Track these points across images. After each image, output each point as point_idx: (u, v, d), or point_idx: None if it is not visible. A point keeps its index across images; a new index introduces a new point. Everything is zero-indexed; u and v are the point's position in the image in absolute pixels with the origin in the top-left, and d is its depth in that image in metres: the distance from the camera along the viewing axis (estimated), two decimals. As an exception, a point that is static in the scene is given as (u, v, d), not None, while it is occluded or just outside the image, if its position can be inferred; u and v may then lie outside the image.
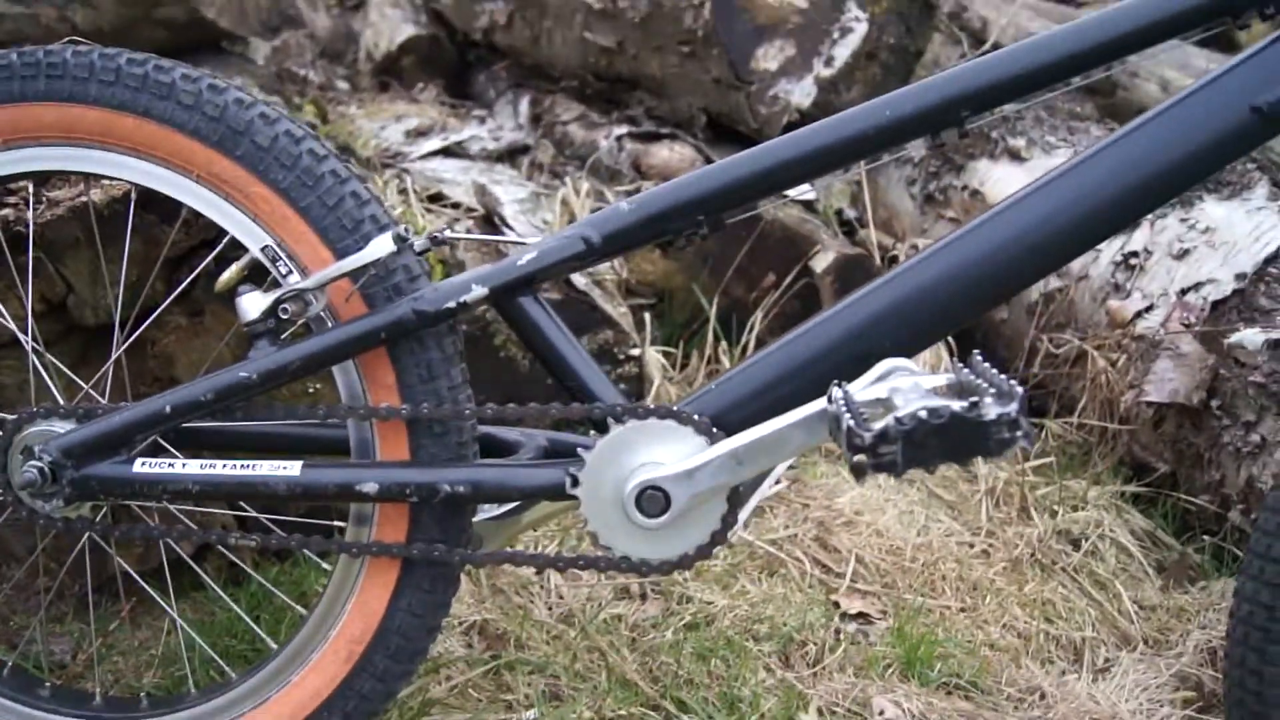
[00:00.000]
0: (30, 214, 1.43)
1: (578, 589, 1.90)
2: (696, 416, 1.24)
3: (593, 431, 1.28)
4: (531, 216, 2.47)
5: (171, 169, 1.28)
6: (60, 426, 1.29)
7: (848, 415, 1.07)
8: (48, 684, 1.44)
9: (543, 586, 1.89)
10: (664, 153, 2.61)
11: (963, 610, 1.89)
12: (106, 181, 1.42)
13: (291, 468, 1.25)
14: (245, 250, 1.30)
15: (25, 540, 1.67)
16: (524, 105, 3.30)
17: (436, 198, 2.41)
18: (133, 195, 1.36)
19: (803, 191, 2.56)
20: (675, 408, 1.25)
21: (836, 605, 1.90)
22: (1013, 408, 1.04)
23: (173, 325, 1.60)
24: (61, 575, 1.58)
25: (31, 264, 1.41)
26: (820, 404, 1.18)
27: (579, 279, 2.24)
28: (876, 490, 2.18)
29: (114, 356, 1.37)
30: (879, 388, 1.15)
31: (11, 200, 1.51)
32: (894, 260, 2.60)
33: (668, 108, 2.90)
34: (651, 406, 1.24)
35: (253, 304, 1.24)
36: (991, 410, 1.04)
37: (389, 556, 1.30)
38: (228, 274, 1.31)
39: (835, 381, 1.16)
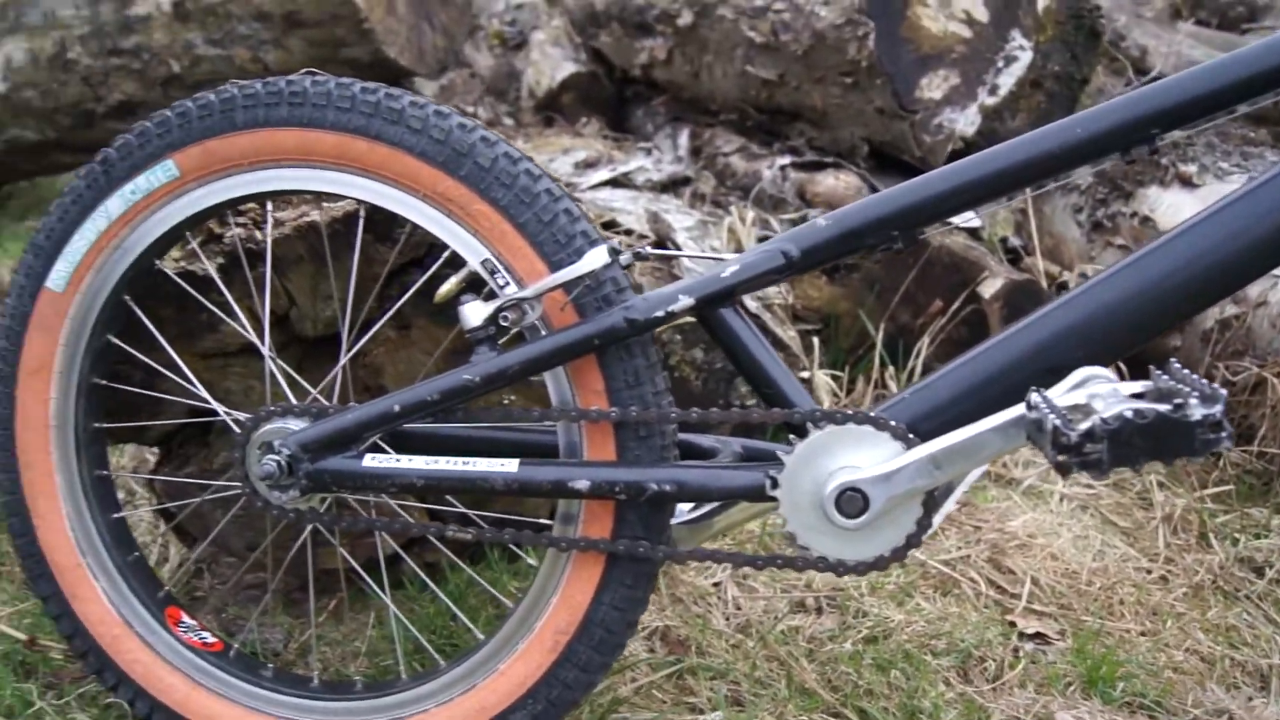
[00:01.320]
0: (268, 231, 1.57)
1: (754, 601, 1.96)
2: (893, 422, 1.30)
3: (791, 437, 1.34)
4: (700, 243, 2.56)
5: (400, 188, 1.39)
6: (295, 424, 1.41)
7: (1052, 416, 1.12)
8: (270, 666, 1.56)
9: (719, 598, 1.96)
10: (829, 181, 2.67)
11: (1143, 634, 1.89)
12: (336, 201, 1.55)
13: (509, 465, 1.35)
14: (463, 264, 1.40)
15: (244, 536, 1.81)
16: (683, 138, 3.41)
17: (609, 225, 2.51)
18: (361, 213, 1.48)
19: (968, 219, 2.60)
20: (872, 413, 1.31)
21: (1013, 624, 1.92)
22: (1217, 409, 1.08)
23: (382, 338, 1.73)
24: (280, 570, 1.70)
25: (267, 279, 1.55)
26: (1018, 409, 1.22)
27: (750, 301, 2.31)
28: (1049, 515, 2.20)
29: (341, 363, 1.49)
30: (1078, 394, 1.19)
31: (240, 220, 1.66)
32: (1062, 287, 2.61)
33: (829, 138, 2.98)
34: (850, 412, 1.31)
35: (475, 312, 1.35)
36: (1196, 411, 1.08)
37: (596, 551, 1.38)
38: (448, 285, 1.42)
39: (1033, 388, 1.20)
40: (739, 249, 2.67)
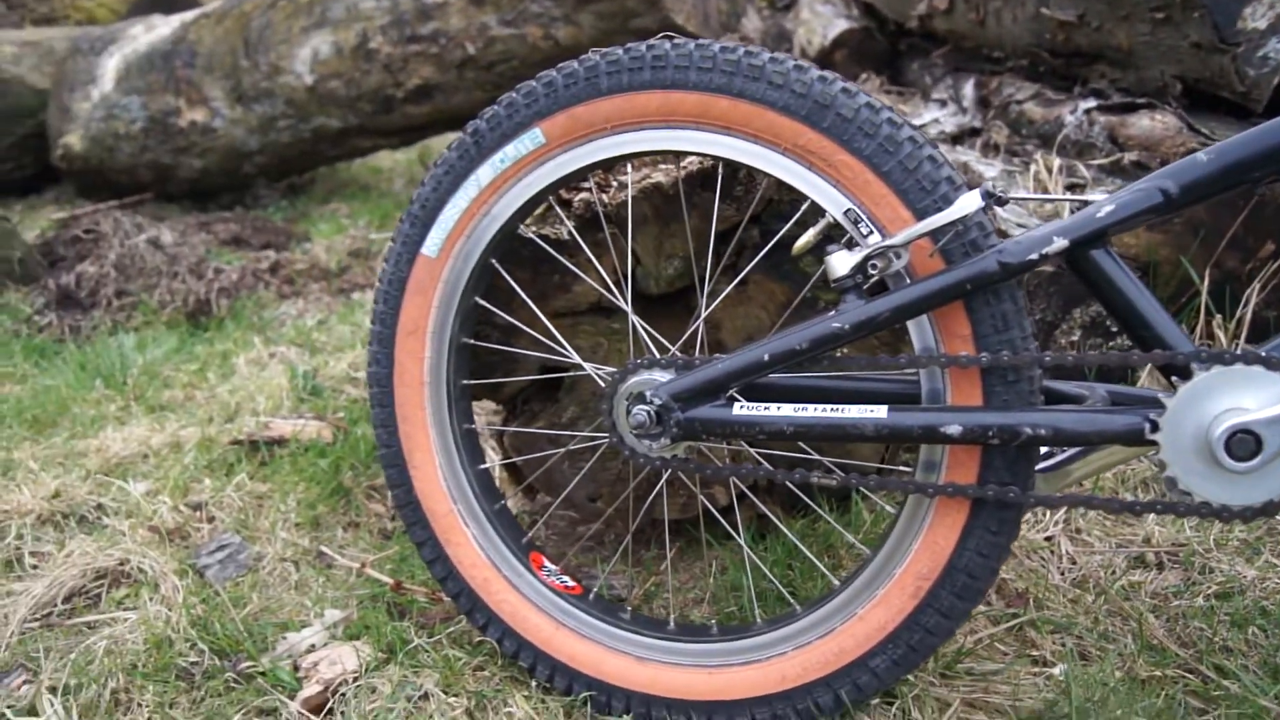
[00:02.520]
0: (629, 191, 1.65)
1: (1090, 556, 1.93)
2: (1287, 359, 1.26)
3: (1174, 379, 1.32)
4: (1008, 192, 2.52)
5: (760, 143, 1.44)
6: (661, 376, 1.48)
7: None
8: (628, 609, 1.65)
9: (1053, 552, 1.94)
10: (1145, 122, 2.57)
11: None
12: (692, 159, 1.61)
13: (878, 410, 1.38)
14: (820, 216, 1.44)
15: (585, 488, 1.91)
16: (968, 88, 3.34)
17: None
18: (719, 171, 1.53)
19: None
20: (1264, 353, 1.27)
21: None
22: None
23: (720, 294, 1.79)
24: (634, 519, 1.79)
25: (629, 235, 1.63)
26: None
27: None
28: None
29: (700, 317, 1.56)
30: None
31: (585, 185, 1.75)
32: None
33: (1134, 78, 2.86)
34: (1239, 352, 1.27)
35: (841, 262, 1.38)
36: None
37: (964, 497, 1.40)
38: (807, 236, 1.46)
39: None
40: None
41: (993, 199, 1.33)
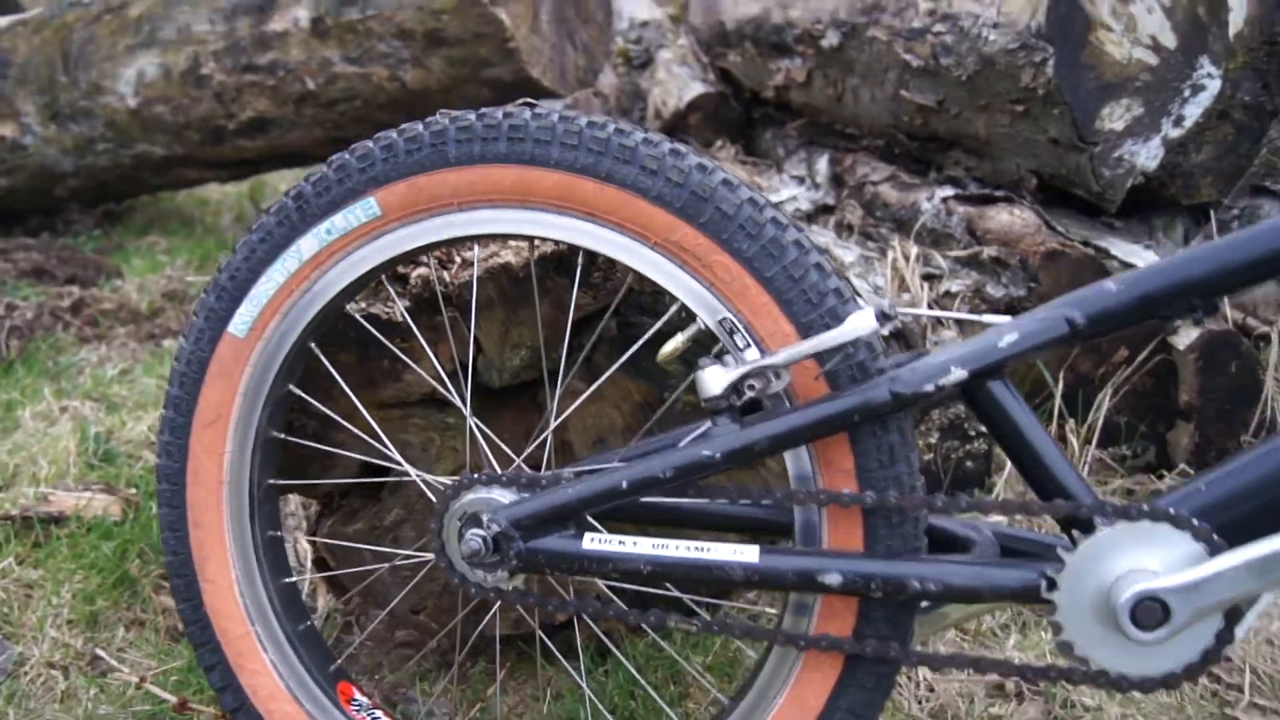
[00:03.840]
0: (474, 272, 1.41)
1: (949, 684, 1.77)
2: (1196, 521, 1.11)
3: (1073, 531, 1.16)
4: (864, 281, 2.38)
5: (628, 234, 1.23)
6: (501, 495, 1.25)
7: None
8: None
9: (909, 678, 1.78)
10: (1004, 216, 2.48)
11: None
12: (547, 245, 1.39)
13: (748, 553, 1.18)
14: (691, 319, 1.24)
15: (408, 599, 1.65)
16: (822, 164, 3.23)
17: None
18: (579, 258, 1.31)
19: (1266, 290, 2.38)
20: (1172, 510, 1.12)
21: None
22: None
23: (570, 390, 1.56)
24: (467, 643, 1.55)
25: (472, 325, 1.39)
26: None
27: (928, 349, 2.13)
28: (1261, 591, 1.97)
29: (551, 428, 1.33)
30: None
31: (424, 261, 1.51)
32: (1261, 340, 2.39)
33: (990, 168, 2.77)
34: (1145, 507, 1.12)
35: (715, 379, 1.18)
36: None
37: (838, 651, 1.20)
38: (675, 342, 1.25)
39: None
40: (903, 288, 2.49)
41: (886, 319, 1.15)
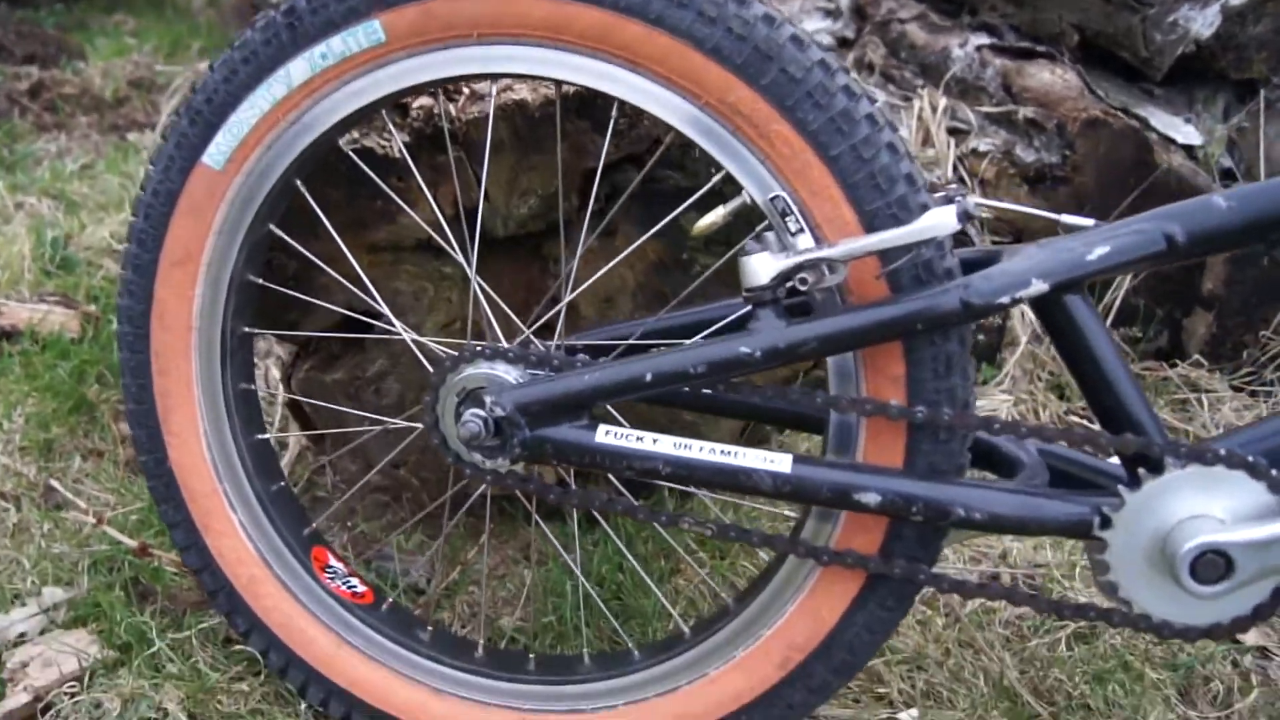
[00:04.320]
0: (488, 108, 1.23)
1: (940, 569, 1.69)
2: (1275, 472, 1.00)
3: (1139, 469, 1.04)
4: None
5: (674, 90, 1.05)
6: (506, 372, 1.11)
7: None
8: (428, 628, 1.30)
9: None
10: (1045, 75, 2.28)
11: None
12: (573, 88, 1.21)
13: (780, 461, 1.05)
14: (736, 191, 1.07)
15: (388, 450, 1.53)
16: (845, -8, 2.97)
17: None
18: (614, 112, 1.13)
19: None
20: (1251, 458, 1.00)
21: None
22: None
23: (578, 241, 1.41)
24: (458, 514, 1.43)
25: (483, 180, 1.22)
26: None
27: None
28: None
29: (564, 301, 1.18)
30: None
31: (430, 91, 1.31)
32: None
33: (1028, 18, 2.55)
34: (1221, 452, 1.00)
35: (763, 266, 1.02)
36: None
37: (863, 569, 1.10)
38: (714, 215, 1.10)
39: None
40: (926, 141, 2.31)
41: (969, 219, 0.99)
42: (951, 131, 2.28)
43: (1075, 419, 2.02)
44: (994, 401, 1.96)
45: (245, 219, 1.18)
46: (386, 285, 1.38)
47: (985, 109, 2.31)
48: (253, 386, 1.28)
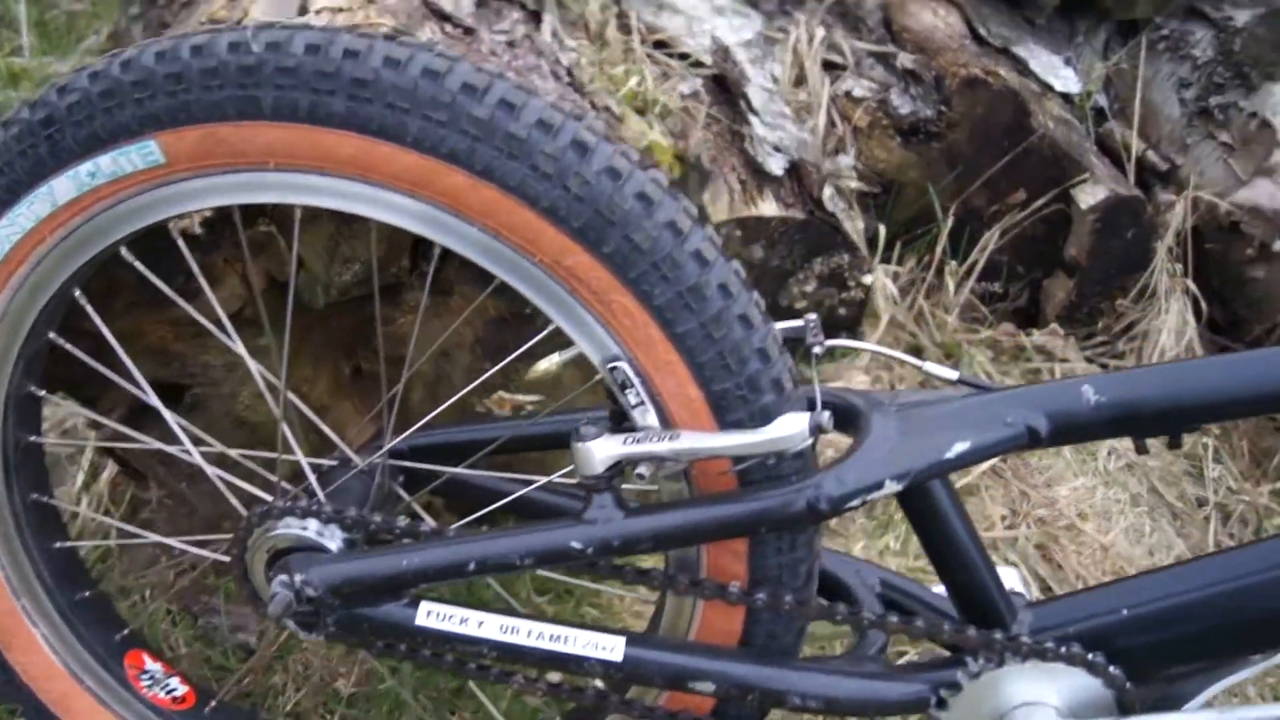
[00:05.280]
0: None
1: None
2: (1112, 670, 0.96)
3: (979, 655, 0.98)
4: (760, 68, 2.02)
5: (505, 244, 0.90)
6: (319, 533, 0.99)
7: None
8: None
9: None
10: (926, 17, 2.10)
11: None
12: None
13: (613, 648, 0.97)
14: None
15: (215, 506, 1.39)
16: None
17: (660, 45, 1.95)
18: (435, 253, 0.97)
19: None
20: (1091, 657, 0.95)
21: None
22: None
23: (412, 303, 1.25)
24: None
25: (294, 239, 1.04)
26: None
27: (829, 193, 1.84)
28: (1102, 486, 1.90)
29: (392, 416, 1.04)
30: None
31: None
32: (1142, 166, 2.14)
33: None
34: (1062, 650, 0.95)
35: (601, 451, 0.91)
36: None
37: (697, 731, 1.04)
38: (547, 363, 0.98)
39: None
40: (800, 79, 2.13)
41: (822, 433, 0.89)
42: (827, 66, 2.11)
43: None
44: (853, 380, 1.89)
45: (19, 335, 1.00)
46: (196, 359, 1.22)
47: (866, 45, 2.14)
48: (45, 497, 1.12)
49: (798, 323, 1.04)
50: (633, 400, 0.93)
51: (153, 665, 1.18)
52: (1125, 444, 1.99)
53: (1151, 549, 1.81)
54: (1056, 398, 0.94)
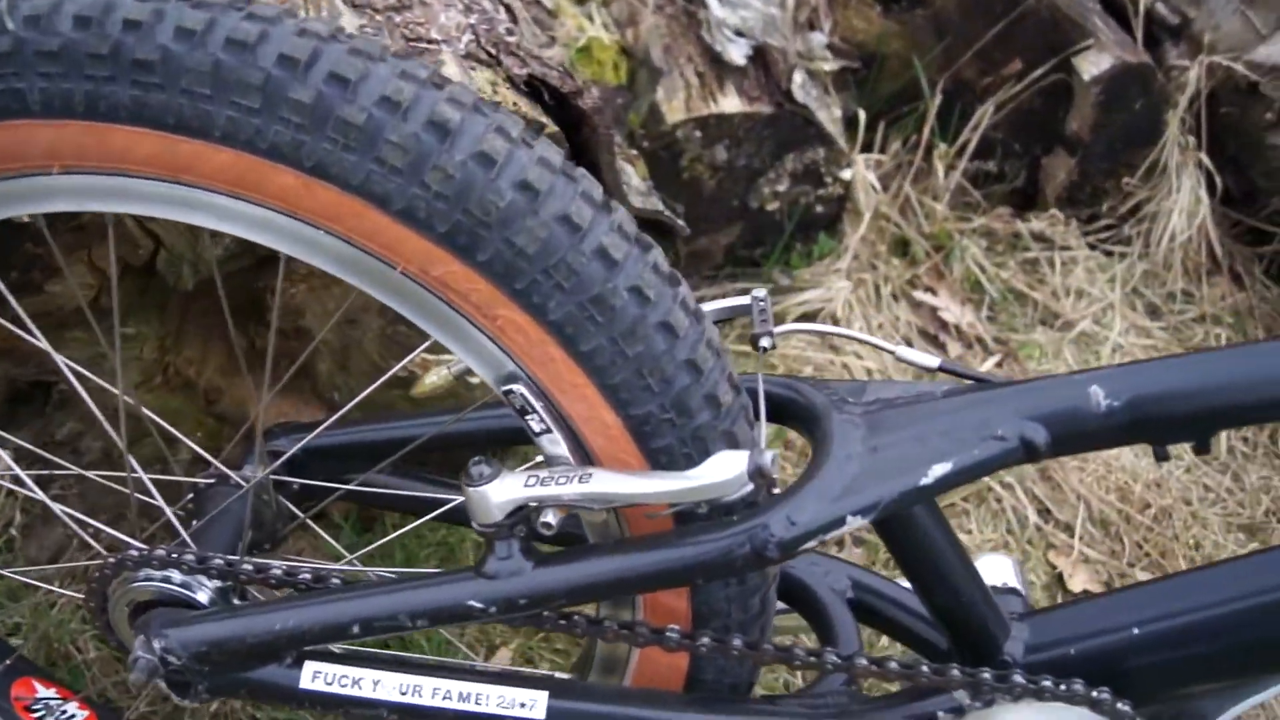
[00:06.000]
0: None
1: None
2: (1120, 707, 0.80)
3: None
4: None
5: (358, 249, 0.70)
6: (183, 585, 0.82)
7: None
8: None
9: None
10: None
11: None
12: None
13: (534, 704, 0.81)
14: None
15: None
16: None
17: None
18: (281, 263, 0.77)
19: None
20: (1095, 695, 0.80)
21: (1053, 567, 1.53)
22: None
23: (304, 272, 1.06)
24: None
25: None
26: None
27: (799, 81, 1.61)
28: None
29: (261, 405, 0.86)
30: None
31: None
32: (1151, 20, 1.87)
33: None
34: (1063, 690, 0.79)
35: (500, 496, 0.73)
36: None
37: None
38: (435, 377, 0.80)
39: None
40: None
41: (769, 482, 0.70)
42: None
43: (919, 294, 1.77)
44: (832, 290, 1.70)
45: None
46: (57, 352, 1.03)
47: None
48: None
49: (742, 300, 0.86)
50: (537, 427, 0.74)
51: (45, 692, 1.04)
52: (1129, 336, 1.81)
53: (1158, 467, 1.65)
54: (1058, 399, 0.75)
